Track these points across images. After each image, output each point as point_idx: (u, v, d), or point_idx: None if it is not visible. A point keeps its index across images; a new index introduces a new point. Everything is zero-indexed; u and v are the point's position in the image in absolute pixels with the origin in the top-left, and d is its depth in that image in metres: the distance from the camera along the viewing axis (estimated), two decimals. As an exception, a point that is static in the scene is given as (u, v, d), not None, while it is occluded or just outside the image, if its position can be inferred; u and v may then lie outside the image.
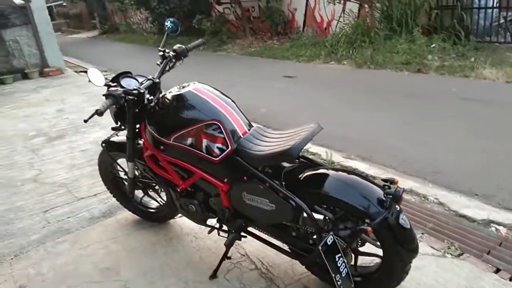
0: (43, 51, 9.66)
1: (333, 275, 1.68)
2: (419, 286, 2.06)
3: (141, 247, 2.56)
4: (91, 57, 12.98)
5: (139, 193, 2.73)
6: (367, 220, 1.70)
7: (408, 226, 1.75)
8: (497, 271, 2.16)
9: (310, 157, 2.06)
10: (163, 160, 2.15)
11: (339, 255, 1.73)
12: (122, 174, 2.69)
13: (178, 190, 2.19)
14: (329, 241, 1.70)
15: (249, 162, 1.88)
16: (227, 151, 1.92)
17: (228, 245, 2.10)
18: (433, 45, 7.18)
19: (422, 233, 2.52)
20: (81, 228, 2.84)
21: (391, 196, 1.68)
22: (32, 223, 2.94)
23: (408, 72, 6.71)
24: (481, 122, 4.32)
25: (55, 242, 2.69)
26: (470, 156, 3.56)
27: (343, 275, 1.72)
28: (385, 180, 1.81)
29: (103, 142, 2.57)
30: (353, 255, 1.95)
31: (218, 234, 2.20)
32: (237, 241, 2.18)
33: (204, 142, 1.94)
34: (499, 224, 2.58)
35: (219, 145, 1.93)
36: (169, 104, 2.06)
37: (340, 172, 1.87)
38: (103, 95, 1.95)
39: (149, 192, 2.69)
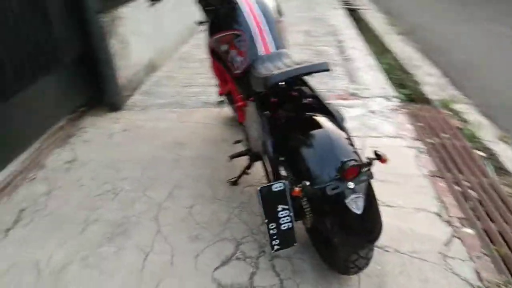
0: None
1: (266, 220, 1.57)
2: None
3: (212, 138, 2.87)
4: None
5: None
6: (306, 182, 1.45)
7: (359, 212, 1.40)
8: None
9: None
10: (212, 60, 2.26)
11: (286, 207, 1.57)
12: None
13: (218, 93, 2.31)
14: (275, 188, 1.55)
15: (252, 83, 1.80)
16: (244, 66, 1.87)
17: (232, 157, 2.16)
18: None
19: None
20: (193, 108, 3.35)
21: (342, 169, 1.36)
22: (173, 91, 3.65)
23: None
24: None
25: (169, 110, 3.30)
26: None
27: (282, 228, 1.58)
28: (376, 154, 1.45)
29: None
30: None
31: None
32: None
33: (232, 52, 1.93)
34: None
35: (241, 58, 1.89)
36: (222, 3, 2.07)
37: (326, 124, 1.58)
38: None
39: None
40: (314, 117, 1.66)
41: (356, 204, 1.41)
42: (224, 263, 1.83)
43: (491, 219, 2.13)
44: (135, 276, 1.76)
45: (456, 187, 2.38)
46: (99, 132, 2.98)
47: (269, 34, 1.90)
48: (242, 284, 1.72)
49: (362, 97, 3.58)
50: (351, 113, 3.24)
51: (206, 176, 2.45)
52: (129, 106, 3.38)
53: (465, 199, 2.28)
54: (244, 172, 2.29)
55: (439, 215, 2.15)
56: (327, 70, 1.61)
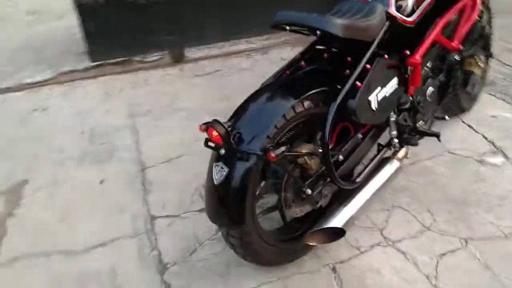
0: None
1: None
2: None
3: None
4: None
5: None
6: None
7: (215, 182, 1.27)
8: None
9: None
10: None
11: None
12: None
13: None
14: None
15: None
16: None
17: None
18: None
19: None
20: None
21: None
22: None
23: None
24: None
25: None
26: None
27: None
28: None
29: None
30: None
31: None
32: None
33: None
34: None
35: None
36: None
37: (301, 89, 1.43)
38: None
39: None
40: (310, 78, 1.56)
41: (216, 173, 1.28)
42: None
43: None
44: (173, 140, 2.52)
45: None
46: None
47: None
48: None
49: None
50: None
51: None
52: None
53: None
54: None
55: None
56: (334, 35, 1.36)
